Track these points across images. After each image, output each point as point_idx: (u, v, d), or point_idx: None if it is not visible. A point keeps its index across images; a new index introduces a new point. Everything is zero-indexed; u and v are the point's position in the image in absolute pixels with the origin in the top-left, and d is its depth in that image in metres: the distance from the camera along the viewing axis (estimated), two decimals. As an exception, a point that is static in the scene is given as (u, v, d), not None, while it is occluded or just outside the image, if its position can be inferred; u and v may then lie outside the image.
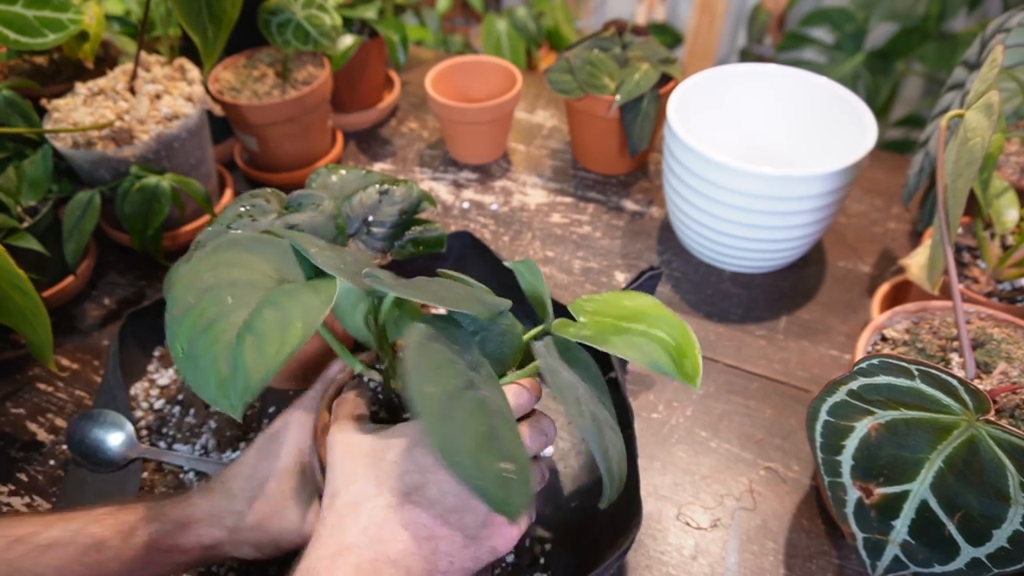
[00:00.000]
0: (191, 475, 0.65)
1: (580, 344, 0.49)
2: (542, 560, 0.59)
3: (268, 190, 0.62)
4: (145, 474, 0.65)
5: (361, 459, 0.44)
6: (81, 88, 0.80)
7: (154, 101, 0.81)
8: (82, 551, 0.46)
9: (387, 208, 0.66)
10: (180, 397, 0.72)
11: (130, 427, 0.67)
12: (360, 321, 0.51)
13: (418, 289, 0.43)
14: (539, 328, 0.51)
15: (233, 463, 0.54)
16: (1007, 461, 0.44)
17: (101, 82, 0.82)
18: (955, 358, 0.57)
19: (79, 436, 0.65)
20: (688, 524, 0.62)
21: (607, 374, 0.61)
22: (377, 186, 0.66)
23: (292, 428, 0.53)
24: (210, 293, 0.41)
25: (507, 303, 0.48)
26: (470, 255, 0.78)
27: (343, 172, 0.67)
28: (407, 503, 0.41)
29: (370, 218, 0.65)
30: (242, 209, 0.60)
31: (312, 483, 0.52)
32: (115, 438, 0.66)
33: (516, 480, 0.37)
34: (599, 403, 0.48)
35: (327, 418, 0.52)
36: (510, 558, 0.59)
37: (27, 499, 0.64)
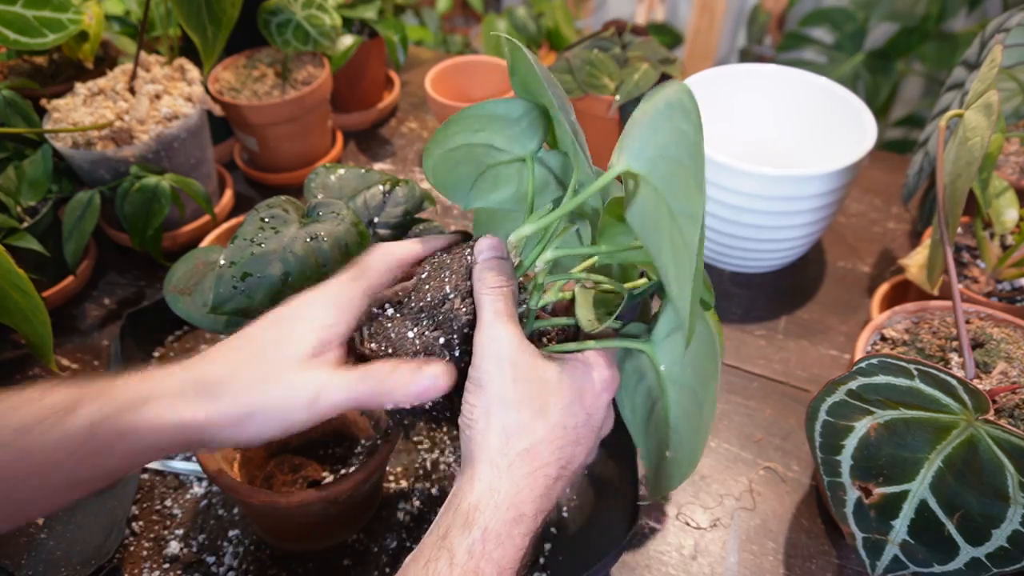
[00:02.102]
0: (191, 476, 0.65)
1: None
2: (541, 560, 0.59)
3: (282, 198, 0.61)
4: (145, 476, 0.65)
5: (538, 392, 0.42)
6: (81, 88, 0.80)
7: (154, 101, 0.81)
8: (17, 435, 0.39)
9: (391, 209, 0.66)
10: (180, 397, 0.72)
11: None
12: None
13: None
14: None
15: (223, 344, 0.44)
16: (1006, 461, 0.44)
17: (101, 82, 0.82)
18: (954, 358, 0.57)
19: None
20: (688, 524, 0.62)
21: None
22: (381, 187, 0.66)
23: (316, 307, 0.44)
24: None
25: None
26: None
27: (342, 172, 0.67)
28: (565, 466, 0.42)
29: (375, 219, 0.65)
30: (262, 221, 0.59)
31: (324, 371, 0.42)
32: None
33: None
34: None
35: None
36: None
37: (27, 499, 0.64)
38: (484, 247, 0.45)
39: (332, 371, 0.42)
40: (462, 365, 0.45)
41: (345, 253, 0.58)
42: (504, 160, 0.52)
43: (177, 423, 0.40)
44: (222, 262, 0.55)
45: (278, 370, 0.42)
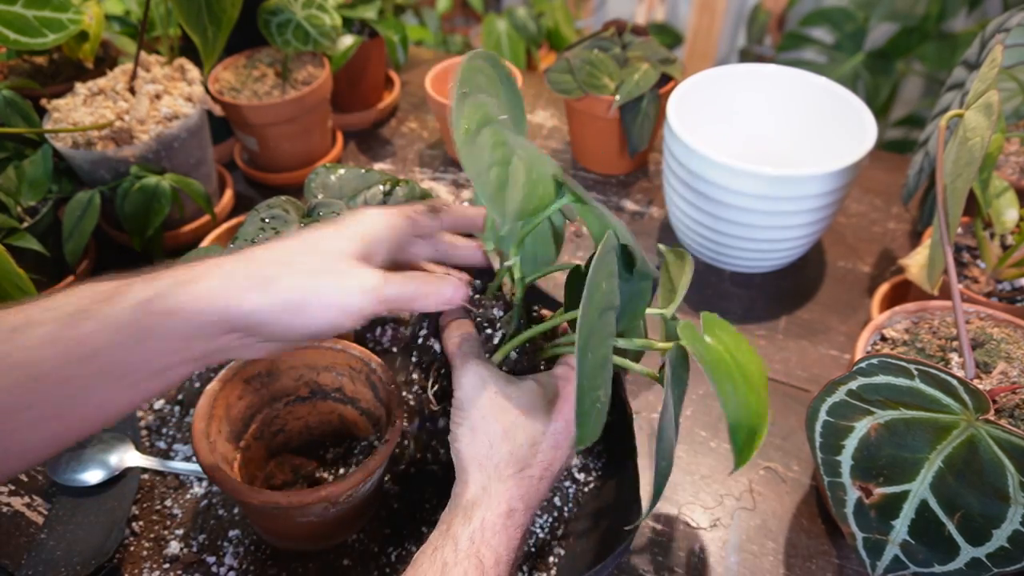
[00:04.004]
0: (191, 476, 0.65)
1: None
2: (551, 559, 0.59)
3: (282, 198, 0.61)
4: (145, 476, 0.65)
5: (510, 419, 0.47)
6: (81, 88, 0.80)
7: (154, 101, 0.81)
8: (60, 326, 0.38)
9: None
10: (180, 397, 0.72)
11: (126, 440, 0.66)
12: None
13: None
14: (666, 309, 0.53)
15: (275, 240, 0.45)
16: (1007, 461, 0.44)
17: (101, 82, 0.82)
18: (955, 358, 0.57)
19: (62, 473, 0.63)
20: (688, 524, 0.62)
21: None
22: (381, 187, 0.66)
23: (371, 217, 0.46)
24: (482, 95, 0.45)
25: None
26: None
27: (342, 171, 0.67)
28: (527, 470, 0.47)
29: None
30: (263, 221, 0.59)
31: (373, 270, 0.43)
32: (100, 464, 0.64)
33: (600, 410, 0.41)
34: (673, 429, 0.49)
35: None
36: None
37: (27, 499, 0.64)
38: (448, 312, 0.52)
39: (380, 271, 0.43)
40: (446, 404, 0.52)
41: None
42: None
43: (223, 308, 0.39)
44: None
45: (332, 261, 0.42)
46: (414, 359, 0.56)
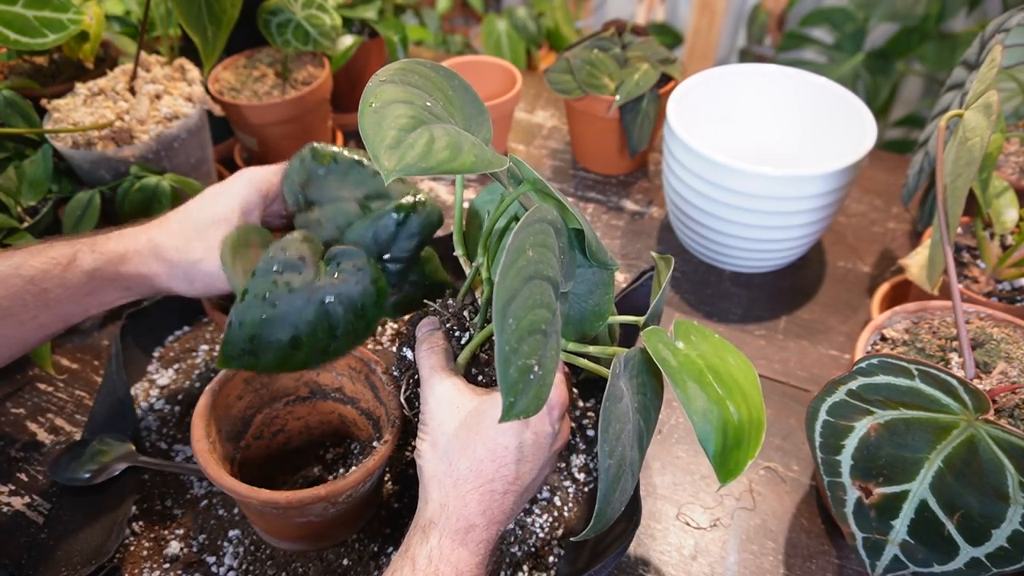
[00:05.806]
0: (191, 476, 0.65)
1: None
2: (551, 559, 0.59)
3: (298, 238, 0.56)
4: (145, 476, 0.65)
5: (472, 434, 0.47)
6: (81, 88, 0.80)
7: (154, 101, 0.81)
8: (26, 281, 0.53)
9: (403, 243, 0.62)
10: (180, 397, 0.72)
11: (126, 440, 0.66)
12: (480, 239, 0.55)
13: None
14: (632, 319, 0.53)
15: (175, 210, 0.61)
16: (1006, 461, 0.44)
17: (101, 82, 0.82)
18: (954, 358, 0.57)
19: (62, 473, 0.63)
20: (688, 524, 0.62)
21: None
22: (394, 215, 0.61)
23: (239, 185, 0.60)
24: (409, 88, 0.45)
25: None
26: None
27: (335, 157, 0.63)
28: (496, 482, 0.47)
29: (386, 256, 0.62)
30: (276, 273, 0.54)
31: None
32: (101, 464, 0.64)
33: (534, 383, 0.38)
34: (637, 443, 0.48)
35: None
36: (518, 552, 0.59)
37: (27, 499, 0.64)
38: (423, 324, 0.54)
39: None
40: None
41: (360, 316, 0.56)
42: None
43: (145, 274, 0.58)
44: (231, 320, 0.53)
45: (212, 247, 0.57)
46: (394, 369, 0.57)
